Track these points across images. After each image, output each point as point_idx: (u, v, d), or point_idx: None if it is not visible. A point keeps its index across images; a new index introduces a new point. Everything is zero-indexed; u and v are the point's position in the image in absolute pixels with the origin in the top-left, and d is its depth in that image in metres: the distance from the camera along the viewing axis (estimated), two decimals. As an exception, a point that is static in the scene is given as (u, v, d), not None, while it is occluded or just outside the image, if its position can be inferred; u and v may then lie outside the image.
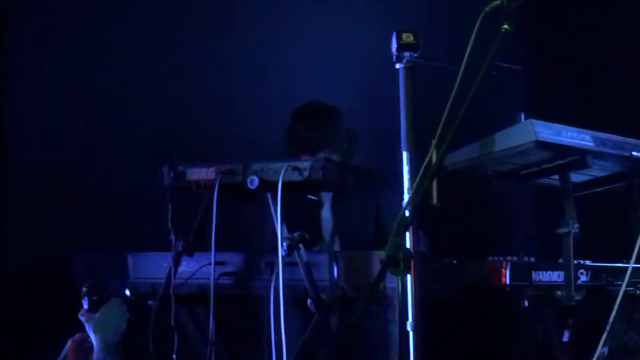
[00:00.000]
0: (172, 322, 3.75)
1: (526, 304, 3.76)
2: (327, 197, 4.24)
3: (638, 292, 3.94)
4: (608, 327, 3.61)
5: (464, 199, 4.42)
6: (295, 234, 3.61)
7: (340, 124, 4.22)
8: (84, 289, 3.78)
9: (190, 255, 3.81)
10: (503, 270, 3.66)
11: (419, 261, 2.96)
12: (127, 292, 3.79)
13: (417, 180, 2.91)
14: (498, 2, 2.89)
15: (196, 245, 3.81)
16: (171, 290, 3.76)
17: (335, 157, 4.06)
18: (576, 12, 6.04)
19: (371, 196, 4.35)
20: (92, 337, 3.75)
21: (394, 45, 3.08)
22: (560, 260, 3.80)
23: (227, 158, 3.96)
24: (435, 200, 3.01)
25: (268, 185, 3.66)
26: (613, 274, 3.95)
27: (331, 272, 3.58)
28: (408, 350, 2.98)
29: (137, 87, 4.54)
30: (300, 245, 3.59)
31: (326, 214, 4.24)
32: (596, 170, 3.96)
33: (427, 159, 2.90)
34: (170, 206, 3.77)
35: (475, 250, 3.88)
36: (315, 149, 4.18)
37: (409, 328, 2.96)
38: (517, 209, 5.53)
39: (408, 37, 3.08)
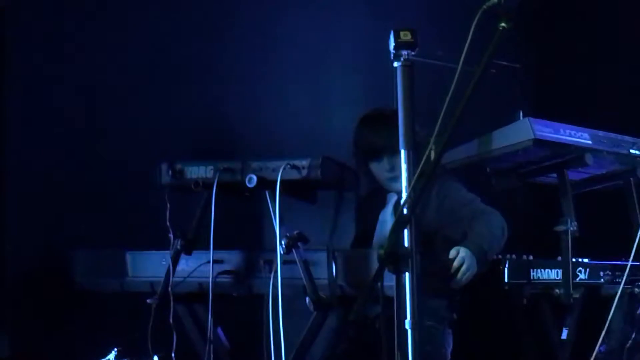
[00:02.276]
0: (171, 321, 3.75)
1: (525, 302, 3.76)
2: (390, 200, 4.23)
3: (636, 290, 3.95)
4: (606, 325, 3.62)
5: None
6: (294, 232, 3.61)
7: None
8: (114, 352, 3.80)
9: (189, 253, 3.80)
10: (501, 268, 3.67)
11: (417, 259, 2.96)
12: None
13: (415, 178, 2.91)
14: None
15: (195, 243, 3.80)
16: (170, 289, 3.76)
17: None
18: (574, 10, 6.04)
19: None
20: None
21: (392, 44, 3.08)
22: (559, 258, 3.81)
23: (226, 156, 3.96)
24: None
25: (266, 184, 3.66)
26: (611, 272, 3.95)
27: (330, 271, 3.58)
28: (406, 349, 2.97)
29: (136, 86, 4.53)
30: (299, 244, 3.59)
31: (384, 216, 4.24)
32: (594, 168, 3.97)
33: (424, 157, 2.90)
34: (168, 204, 3.77)
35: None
36: (383, 155, 4.13)
37: (407, 326, 2.96)
38: (515, 207, 5.53)
39: (406, 35, 3.08)
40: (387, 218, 4.19)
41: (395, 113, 3.08)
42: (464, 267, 3.63)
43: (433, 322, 4.00)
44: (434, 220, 3.91)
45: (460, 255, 3.65)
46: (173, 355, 3.74)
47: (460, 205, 3.99)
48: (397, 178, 4.10)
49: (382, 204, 4.23)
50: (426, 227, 2.98)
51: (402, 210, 2.90)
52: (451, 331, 4.15)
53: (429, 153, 2.88)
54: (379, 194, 4.25)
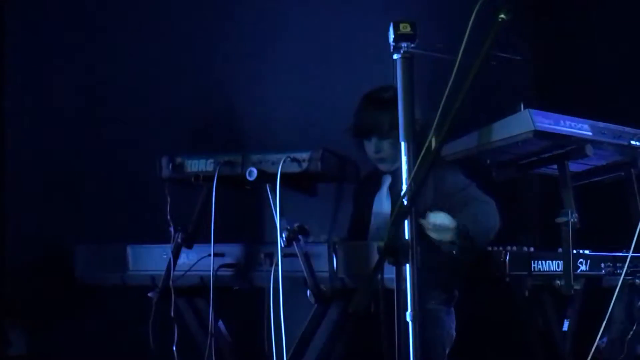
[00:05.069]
0: (172, 314, 3.76)
1: (526, 293, 3.76)
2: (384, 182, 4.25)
3: (637, 281, 3.94)
4: (607, 317, 3.62)
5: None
6: (295, 225, 3.61)
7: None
8: None
9: (190, 247, 3.81)
10: (502, 260, 3.66)
11: (417, 251, 2.96)
12: None
13: (415, 169, 2.91)
14: (495, -9, 2.89)
15: (195, 237, 3.81)
16: (171, 283, 3.77)
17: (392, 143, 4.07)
18: (575, 2, 6.04)
19: None
20: None
21: (391, 36, 3.08)
22: (560, 250, 3.80)
23: (226, 149, 3.96)
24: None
25: (267, 177, 3.66)
26: (612, 264, 3.95)
27: (330, 263, 3.59)
28: (407, 341, 2.97)
29: (136, 79, 4.54)
30: (300, 236, 3.59)
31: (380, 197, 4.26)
32: (595, 160, 3.96)
33: (424, 149, 2.90)
34: (169, 198, 3.77)
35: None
36: (371, 135, 4.16)
37: (408, 319, 2.96)
38: (516, 198, 5.53)
39: (405, 28, 3.08)
40: (382, 199, 4.21)
41: (395, 97, 3.09)
42: (437, 222, 3.64)
43: (434, 305, 4.02)
44: (429, 203, 3.90)
45: (439, 214, 3.65)
46: (174, 348, 3.75)
47: (455, 190, 4.00)
48: (383, 160, 4.17)
49: (378, 186, 4.25)
50: (421, 210, 2.98)
51: (402, 202, 2.90)
52: (454, 310, 4.16)
53: (429, 144, 2.88)
54: (375, 176, 4.27)
